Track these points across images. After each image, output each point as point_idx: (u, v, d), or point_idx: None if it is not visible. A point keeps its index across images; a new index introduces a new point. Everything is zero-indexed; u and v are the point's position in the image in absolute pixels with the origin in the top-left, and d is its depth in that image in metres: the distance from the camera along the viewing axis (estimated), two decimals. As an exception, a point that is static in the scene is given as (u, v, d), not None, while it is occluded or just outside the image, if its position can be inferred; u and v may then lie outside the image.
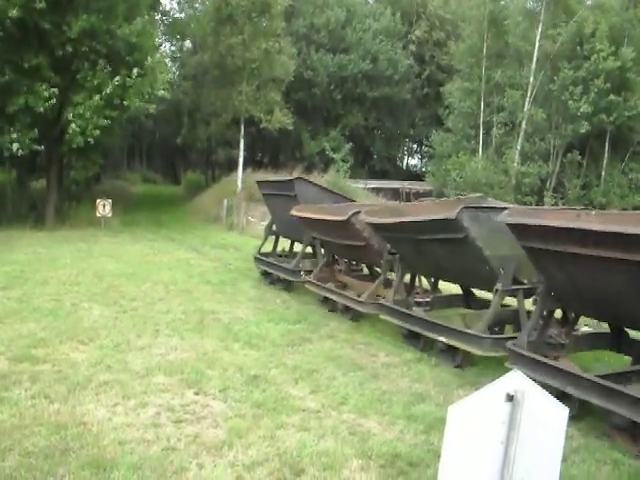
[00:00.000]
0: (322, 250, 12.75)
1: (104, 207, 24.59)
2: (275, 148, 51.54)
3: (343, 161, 38.59)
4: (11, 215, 25.36)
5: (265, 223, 28.67)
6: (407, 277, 10.19)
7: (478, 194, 12.72)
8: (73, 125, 22.52)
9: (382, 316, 9.61)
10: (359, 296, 10.31)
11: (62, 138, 24.14)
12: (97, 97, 22.47)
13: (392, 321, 9.36)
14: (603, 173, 36.63)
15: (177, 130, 47.74)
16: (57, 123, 23.78)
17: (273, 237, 15.20)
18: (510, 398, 3.03)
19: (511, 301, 8.71)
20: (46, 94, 21.94)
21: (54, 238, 21.04)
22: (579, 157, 36.23)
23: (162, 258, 17.43)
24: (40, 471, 4.75)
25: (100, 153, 30.02)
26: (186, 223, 31.34)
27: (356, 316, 10.54)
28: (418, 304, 9.32)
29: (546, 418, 3.16)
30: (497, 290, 7.69)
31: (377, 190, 39.84)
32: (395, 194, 42.09)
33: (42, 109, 21.88)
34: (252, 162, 40.51)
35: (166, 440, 5.42)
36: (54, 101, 22.34)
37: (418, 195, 42.87)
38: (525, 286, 7.71)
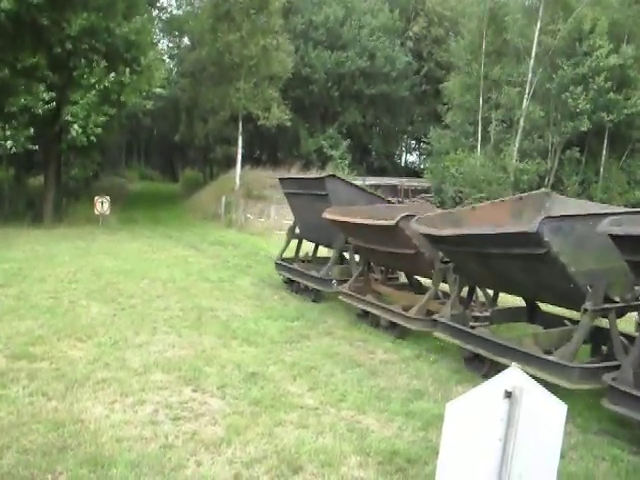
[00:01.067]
0: (354, 256, 11.68)
1: (102, 204, 24.57)
2: (273, 145, 51.49)
3: (341, 158, 38.60)
4: (9, 212, 25.35)
5: (263, 220, 28.88)
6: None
7: (543, 190, 10.79)
8: (76, 126, 22.48)
9: (437, 334, 8.41)
10: (405, 310, 9.15)
11: (60, 136, 24.12)
12: (93, 92, 22.42)
13: (450, 340, 8.22)
14: (602, 170, 36.62)
15: (175, 127, 47.76)
16: (55, 121, 23.73)
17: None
18: (508, 395, 3.03)
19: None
20: (44, 95, 21.88)
21: (52, 235, 21.03)
22: (578, 154, 36.22)
23: (160, 255, 17.42)
24: (38, 468, 4.75)
25: (98, 151, 30.03)
26: (184, 220, 31.35)
27: (403, 333, 9.32)
28: (476, 319, 8.09)
29: (544, 415, 3.15)
30: (586, 310, 6.68)
31: (375, 187, 39.81)
32: (393, 191, 42.06)
33: (40, 110, 21.83)
34: (250, 159, 40.45)
35: (164, 437, 5.41)
36: (54, 104, 22.29)
37: (416, 192, 42.88)
38: (618, 304, 6.83)
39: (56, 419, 5.66)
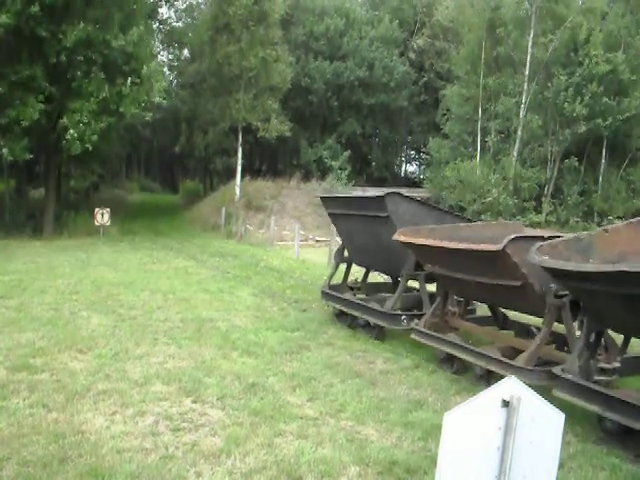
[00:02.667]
0: (425, 286, 10.02)
1: (102, 216, 24.61)
2: (273, 156, 51.60)
3: (341, 169, 38.67)
4: (9, 224, 25.38)
5: (263, 231, 28.92)
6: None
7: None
8: (71, 131, 22.56)
9: (558, 393, 6.38)
10: (504, 355, 7.55)
11: (60, 147, 24.19)
12: (92, 100, 22.51)
13: (582, 404, 6.15)
14: (601, 179, 36.69)
15: (175, 138, 47.83)
16: (54, 132, 23.81)
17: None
18: (506, 404, 3.04)
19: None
20: (40, 106, 21.97)
21: (52, 247, 21.06)
22: (577, 163, 36.30)
23: (160, 267, 17.43)
24: (38, 480, 4.76)
25: (98, 162, 30.12)
26: (184, 231, 31.38)
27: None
28: (602, 371, 6.47)
29: (542, 424, 3.17)
30: None
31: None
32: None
33: (36, 118, 21.89)
34: (250, 170, 40.55)
35: (164, 448, 5.42)
36: (50, 109, 22.39)
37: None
38: None
39: (56, 430, 5.67)
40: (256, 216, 32.54)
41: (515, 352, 7.62)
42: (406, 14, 53.46)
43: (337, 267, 12.00)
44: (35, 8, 20.69)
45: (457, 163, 37.65)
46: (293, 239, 23.28)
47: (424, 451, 5.56)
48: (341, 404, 6.69)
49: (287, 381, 7.41)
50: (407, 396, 7.08)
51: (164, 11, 78.51)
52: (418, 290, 10.36)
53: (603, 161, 36.75)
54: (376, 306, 9.98)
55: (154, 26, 39.00)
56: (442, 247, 8.07)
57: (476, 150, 39.10)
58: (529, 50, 35.53)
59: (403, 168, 64.95)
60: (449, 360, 8.33)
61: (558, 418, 3.21)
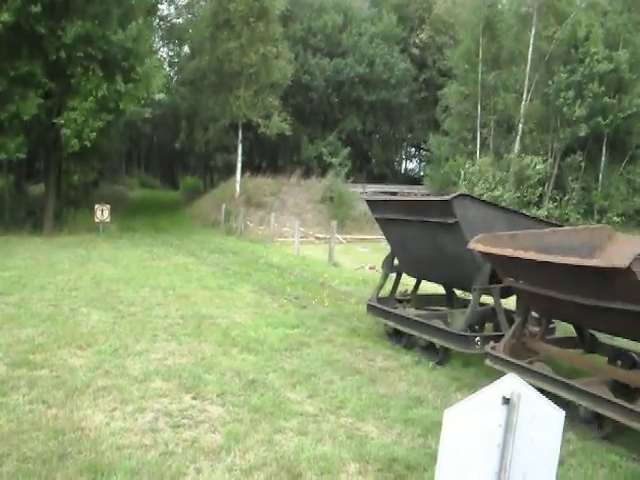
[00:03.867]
0: (500, 302, 8.61)
1: (102, 212, 24.62)
2: (273, 153, 51.60)
3: (341, 165, 38.68)
4: (9, 221, 25.40)
5: (263, 228, 28.90)
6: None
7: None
8: (64, 129, 22.59)
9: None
10: (611, 391, 6.12)
11: (59, 143, 24.20)
12: (90, 99, 22.52)
13: None
14: (601, 176, 36.70)
15: (175, 135, 47.86)
16: (53, 128, 23.82)
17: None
18: (506, 401, 3.04)
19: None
20: (40, 101, 21.99)
21: (52, 244, 21.06)
22: (578, 160, 36.30)
23: (160, 263, 17.43)
24: (38, 476, 4.74)
25: (98, 158, 30.11)
26: (184, 228, 31.39)
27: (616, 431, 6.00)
28: None
29: (543, 421, 3.16)
30: None
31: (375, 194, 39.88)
32: (393, 198, 42.04)
33: (35, 112, 21.91)
34: (250, 167, 40.54)
35: (164, 445, 5.42)
36: (49, 104, 22.41)
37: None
38: None
39: (56, 427, 5.66)
40: (256, 213, 32.57)
41: (621, 386, 6.48)
42: (406, 10, 53.42)
43: (386, 277, 10.59)
44: (36, 8, 20.70)
45: (456, 160, 37.66)
46: (293, 236, 23.27)
47: (424, 448, 5.55)
48: (341, 401, 6.68)
49: (287, 378, 7.41)
50: (407, 393, 7.07)
51: (164, 7, 78.52)
52: (481, 305, 9.17)
53: (603, 158, 36.75)
54: (441, 324, 8.62)
55: (154, 23, 38.95)
56: (537, 260, 6.43)
57: (476, 147, 39.09)
58: (530, 46, 35.50)
59: (403, 165, 64.98)
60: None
61: (558, 415, 3.21)
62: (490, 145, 38.65)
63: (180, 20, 52.40)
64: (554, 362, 7.52)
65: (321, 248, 22.76)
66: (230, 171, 38.66)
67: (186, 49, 52.86)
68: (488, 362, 7.42)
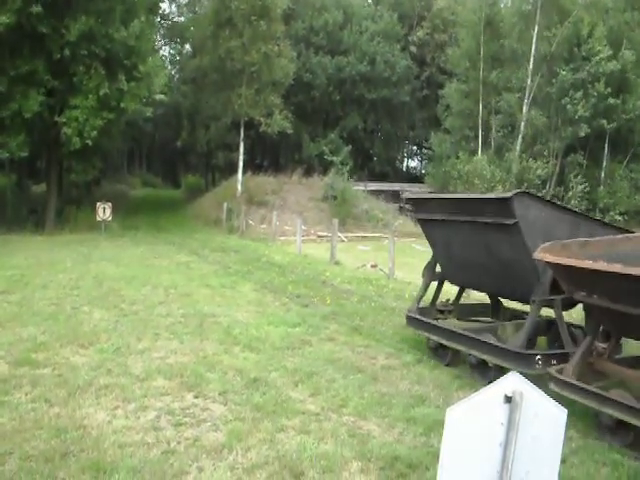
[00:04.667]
0: (562, 316, 7.58)
1: (104, 211, 24.63)
2: (275, 151, 51.63)
3: (342, 163, 38.68)
4: (11, 219, 25.43)
5: (264, 226, 28.91)
6: None
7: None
8: (65, 128, 22.61)
9: None
10: None
11: (60, 142, 24.23)
12: (91, 97, 22.55)
13: None
14: (603, 175, 36.68)
15: (177, 133, 47.91)
16: (54, 127, 23.84)
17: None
18: (508, 400, 3.04)
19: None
20: (42, 98, 22.02)
21: (54, 242, 21.08)
22: (580, 158, 36.29)
23: (162, 262, 17.44)
24: (40, 475, 4.74)
25: (100, 156, 30.15)
26: (186, 227, 31.40)
27: None
28: None
29: (545, 419, 3.16)
30: None
31: (377, 193, 39.89)
32: (395, 197, 42.13)
33: (37, 110, 21.94)
34: (252, 165, 40.57)
35: (166, 443, 5.42)
36: (52, 102, 22.45)
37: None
38: None
39: (58, 425, 5.67)
40: (258, 211, 32.56)
41: None
42: (405, 8, 53.44)
43: (427, 286, 9.51)
44: (37, 8, 20.70)
45: (459, 157, 37.65)
46: (295, 234, 23.27)
47: (426, 446, 5.55)
48: (343, 399, 6.67)
49: (289, 376, 7.40)
50: (409, 391, 7.07)
51: (165, 6, 78.56)
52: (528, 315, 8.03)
53: (605, 157, 36.71)
54: (493, 339, 7.68)
55: (156, 21, 38.98)
56: (621, 273, 5.41)
57: (478, 145, 39.07)
58: (533, 44, 35.45)
59: (405, 163, 65.00)
60: (619, 428, 5.79)
61: (560, 414, 3.20)
62: (492, 144, 38.63)
63: (182, 18, 52.48)
64: (626, 386, 6.48)
65: (323, 246, 22.76)
66: (232, 169, 38.68)
67: (188, 47, 52.92)
68: (554, 387, 6.30)
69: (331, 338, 9.44)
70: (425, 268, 9.57)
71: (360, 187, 38.25)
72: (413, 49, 52.20)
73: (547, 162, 36.10)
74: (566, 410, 3.18)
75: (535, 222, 7.48)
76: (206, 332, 9.41)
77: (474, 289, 9.81)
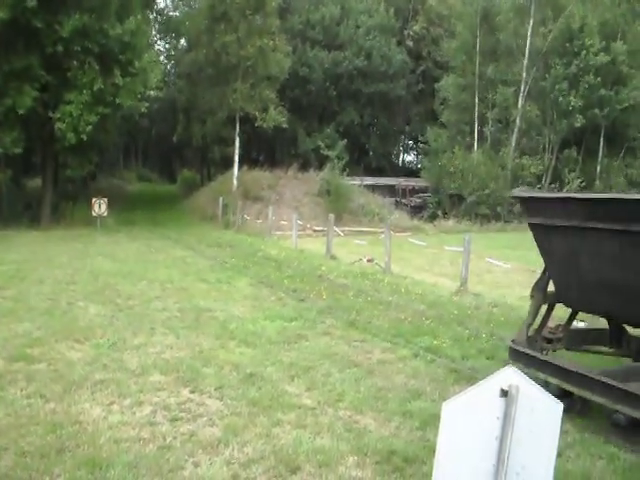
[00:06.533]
0: None
1: (100, 206, 24.56)
2: (271, 146, 51.54)
3: (338, 158, 38.65)
4: (6, 215, 25.38)
5: (260, 221, 28.87)
6: None
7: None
8: (58, 124, 22.57)
9: None
10: None
11: (55, 137, 24.19)
12: (85, 92, 22.50)
13: None
14: (599, 168, 36.72)
15: (173, 128, 47.81)
16: (49, 122, 23.78)
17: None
18: (504, 393, 3.03)
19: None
20: (36, 94, 21.96)
21: (50, 237, 21.05)
22: (575, 152, 36.33)
23: (158, 257, 17.42)
24: (36, 470, 4.74)
25: (95, 151, 30.08)
26: (182, 221, 31.39)
27: None
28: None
29: (541, 413, 3.16)
30: None
31: (373, 187, 39.86)
32: (391, 191, 42.12)
33: (31, 105, 21.89)
34: (247, 160, 40.51)
35: (162, 438, 5.41)
36: (46, 97, 22.40)
37: (414, 192, 42.89)
38: None
39: (54, 421, 5.66)
40: (254, 206, 32.51)
41: None
42: (400, 1, 53.39)
43: (538, 310, 7.47)
44: (32, 2, 20.62)
45: (455, 152, 37.64)
46: (291, 229, 23.25)
47: (422, 440, 5.55)
48: (339, 394, 6.68)
49: (285, 371, 7.40)
50: (405, 385, 7.07)
51: (161, 0, 78.30)
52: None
53: (601, 151, 36.76)
54: None
55: (151, 16, 38.88)
56: None
57: (474, 139, 39.08)
58: (528, 39, 35.47)
59: (401, 157, 64.96)
60: None
61: (557, 408, 3.20)
62: (488, 138, 38.63)
63: (177, 13, 52.31)
64: None
65: (319, 241, 22.73)
66: (227, 164, 38.61)
67: (183, 42, 52.77)
68: None
69: (327, 332, 9.44)
70: (534, 287, 7.51)
71: (356, 182, 38.19)
72: (409, 43, 52.17)
73: (540, 158, 36.10)
74: (562, 404, 3.17)
75: None
76: (202, 327, 9.40)
77: (611, 318, 7.38)
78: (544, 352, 7.20)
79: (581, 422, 6.10)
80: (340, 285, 13.92)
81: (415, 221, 34.19)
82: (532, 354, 6.95)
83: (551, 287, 7.30)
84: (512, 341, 7.32)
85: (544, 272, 7.37)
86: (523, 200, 7.59)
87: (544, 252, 7.31)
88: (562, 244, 6.93)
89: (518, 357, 7.06)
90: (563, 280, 7.15)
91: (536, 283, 7.47)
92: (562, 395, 6.03)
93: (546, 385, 6.19)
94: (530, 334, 7.29)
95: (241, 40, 32.79)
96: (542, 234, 7.18)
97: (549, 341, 7.43)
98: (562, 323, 7.51)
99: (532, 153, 36.72)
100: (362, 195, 36.47)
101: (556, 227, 6.82)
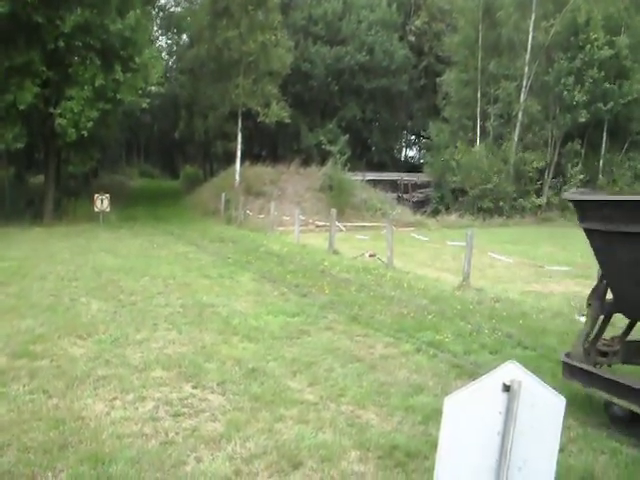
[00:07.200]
0: None
1: (102, 202, 24.59)
2: (273, 141, 51.49)
3: (340, 153, 38.62)
4: (9, 211, 25.40)
5: (263, 216, 28.86)
6: None
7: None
8: (59, 119, 22.57)
9: None
10: None
11: (57, 133, 24.20)
12: (87, 88, 22.50)
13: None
14: (601, 162, 36.65)
15: (175, 124, 47.79)
16: (50, 118, 23.79)
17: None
18: (507, 388, 3.03)
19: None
20: (37, 89, 21.97)
21: (52, 234, 21.07)
22: (578, 147, 36.25)
23: (160, 252, 17.43)
24: (39, 466, 4.74)
25: (97, 147, 30.11)
26: (184, 217, 31.39)
27: None
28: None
29: (543, 408, 3.15)
30: None
31: (375, 182, 39.83)
32: (393, 186, 42.08)
33: (32, 101, 21.90)
34: (250, 155, 40.47)
35: (164, 434, 5.42)
36: (47, 93, 22.41)
37: (416, 187, 42.87)
38: None
39: (57, 417, 5.66)
40: (256, 201, 32.50)
41: None
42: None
43: (596, 321, 6.66)
44: None
45: (457, 147, 37.59)
46: (293, 224, 23.24)
47: (425, 435, 5.55)
48: (341, 389, 6.67)
49: (287, 366, 7.40)
50: (407, 380, 7.07)
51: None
52: None
53: (604, 145, 36.67)
54: None
55: (152, 12, 38.85)
56: None
57: (476, 134, 39.02)
58: (530, 33, 35.38)
59: (403, 153, 64.88)
60: None
61: (559, 402, 3.19)
62: (491, 133, 38.56)
63: (178, 8, 52.23)
64: None
65: (321, 236, 22.72)
66: (230, 160, 38.58)
67: (185, 38, 52.71)
68: None
69: (329, 327, 9.43)
70: (591, 295, 6.74)
71: (358, 177, 38.16)
72: (411, 38, 52.07)
73: (542, 153, 36.06)
74: (565, 399, 3.17)
75: None
76: (205, 322, 9.40)
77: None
78: (597, 366, 6.52)
79: (583, 417, 6.09)
80: (342, 280, 13.91)
81: (417, 216, 34.17)
82: (593, 371, 6.22)
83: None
84: (566, 355, 6.52)
85: (600, 280, 6.67)
86: (578, 203, 6.62)
87: (599, 258, 6.56)
88: (623, 250, 6.11)
89: (575, 374, 6.30)
90: (623, 288, 6.37)
91: (592, 291, 6.73)
92: (631, 419, 5.72)
93: (611, 408, 5.96)
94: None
95: (243, 35, 32.75)
96: (599, 239, 6.38)
97: (604, 354, 6.68)
98: (617, 335, 6.79)
99: (534, 147, 36.64)
100: (364, 190, 36.45)
101: (619, 233, 5.96)
